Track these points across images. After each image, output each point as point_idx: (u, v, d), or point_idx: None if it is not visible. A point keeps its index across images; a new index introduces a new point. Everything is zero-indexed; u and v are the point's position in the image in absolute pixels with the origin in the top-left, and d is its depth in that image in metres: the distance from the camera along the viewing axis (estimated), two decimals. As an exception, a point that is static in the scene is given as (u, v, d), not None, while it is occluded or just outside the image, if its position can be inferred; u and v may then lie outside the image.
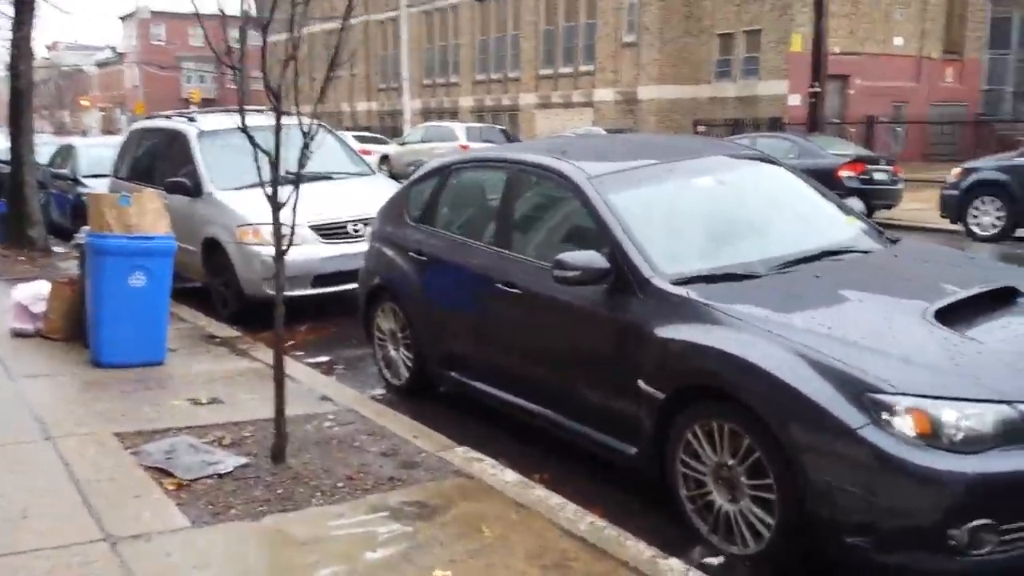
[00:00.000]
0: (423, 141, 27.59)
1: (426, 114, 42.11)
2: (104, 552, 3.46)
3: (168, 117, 10.05)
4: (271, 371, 4.44)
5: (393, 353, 5.92)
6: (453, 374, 5.37)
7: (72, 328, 6.76)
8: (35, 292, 7.09)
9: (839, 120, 28.04)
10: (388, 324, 5.91)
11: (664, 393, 3.80)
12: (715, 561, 3.59)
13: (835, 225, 4.83)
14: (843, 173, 15.02)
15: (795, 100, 27.57)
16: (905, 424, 3.12)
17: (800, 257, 4.24)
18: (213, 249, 8.17)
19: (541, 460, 4.62)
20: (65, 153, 14.67)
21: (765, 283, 4.01)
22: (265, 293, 7.40)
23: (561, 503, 3.89)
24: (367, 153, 22.02)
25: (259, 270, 7.63)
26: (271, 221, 4.26)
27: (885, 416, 3.14)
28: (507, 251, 4.92)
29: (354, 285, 6.52)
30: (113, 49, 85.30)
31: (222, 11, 4.12)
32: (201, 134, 8.85)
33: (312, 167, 4.38)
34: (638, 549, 3.46)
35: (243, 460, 4.40)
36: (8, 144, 12.69)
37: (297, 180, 4.17)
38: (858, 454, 3.15)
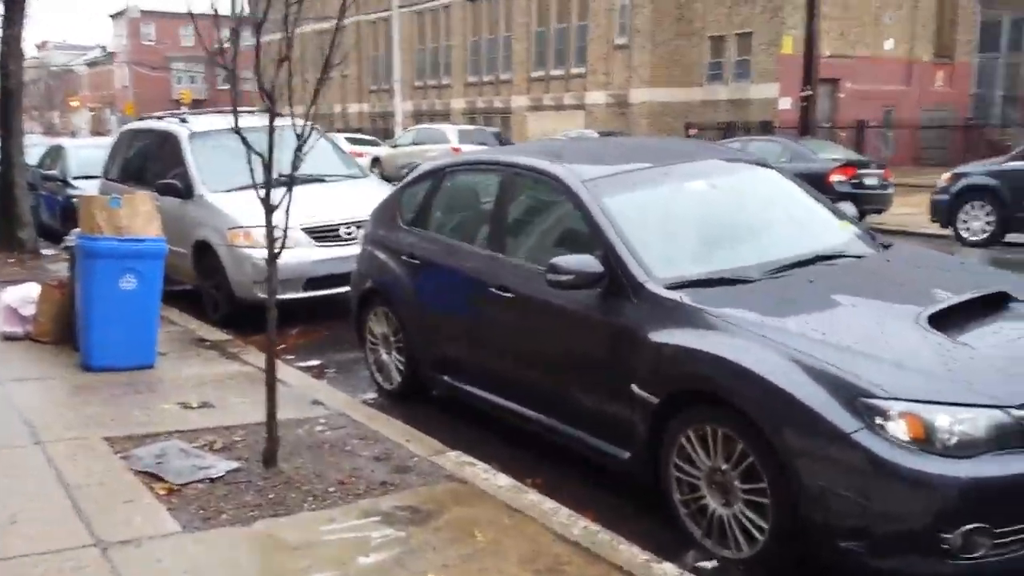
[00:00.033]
0: (415, 143, 27.58)
1: (417, 116, 42.07)
2: (95, 557, 3.43)
3: (159, 118, 10.01)
4: (262, 375, 4.43)
5: (385, 357, 5.90)
6: (446, 378, 5.35)
7: (62, 331, 6.72)
8: (24, 295, 7.05)
9: (830, 124, 28.13)
10: (380, 328, 5.89)
11: (658, 397, 3.80)
12: (709, 565, 3.59)
13: (828, 230, 4.84)
14: (834, 177, 15.11)
15: (786, 103, 27.67)
16: (899, 429, 3.13)
17: (794, 262, 4.25)
18: (204, 252, 8.13)
19: (534, 464, 4.61)
20: (55, 154, 14.58)
21: (759, 288, 4.01)
22: (256, 296, 7.38)
23: (554, 507, 3.88)
24: (359, 155, 22.03)
25: (250, 273, 7.60)
26: (262, 223, 4.24)
27: (879, 421, 3.15)
28: (501, 255, 4.91)
29: (346, 288, 6.50)
30: (103, 49, 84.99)
31: (215, 10, 4.09)
32: (192, 135, 8.81)
33: (304, 169, 4.36)
34: (632, 553, 3.46)
35: (234, 464, 4.37)
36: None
37: (290, 182, 4.15)
38: (852, 458, 3.15)
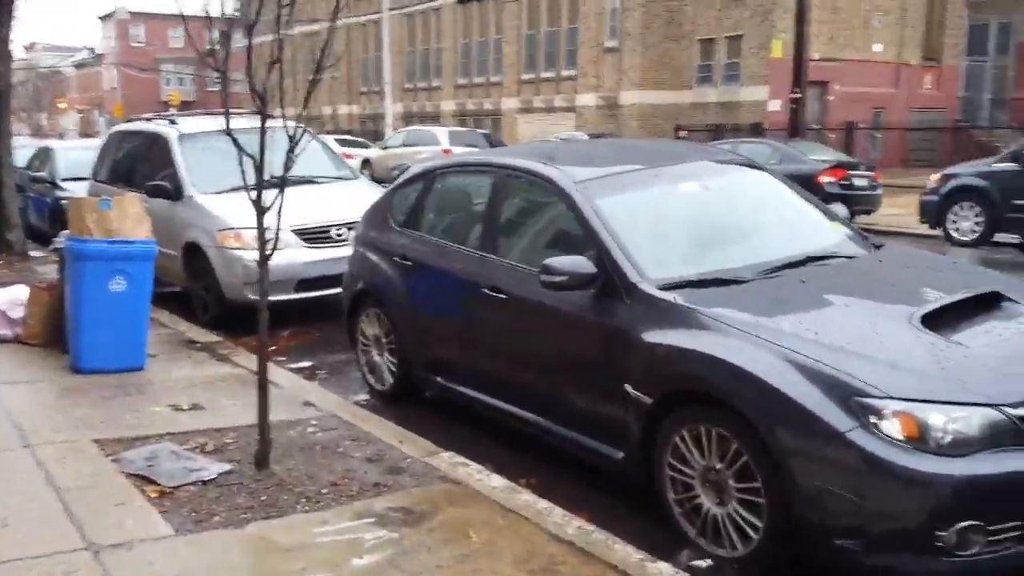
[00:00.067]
0: (405, 145, 27.52)
1: (408, 118, 42.01)
2: (87, 561, 3.41)
3: (148, 119, 9.96)
4: (253, 376, 4.41)
5: (377, 358, 5.88)
6: (438, 379, 5.34)
7: (51, 333, 6.68)
8: (13, 297, 7.00)
9: (819, 126, 28.25)
10: (372, 329, 5.88)
11: (651, 398, 3.80)
12: (703, 564, 3.59)
13: (820, 230, 4.86)
14: (823, 178, 15.17)
15: (775, 106, 27.74)
16: (893, 428, 3.14)
17: (786, 262, 4.25)
18: (194, 253, 8.10)
19: (528, 465, 4.60)
20: (43, 156, 14.50)
21: (752, 288, 4.02)
22: (246, 298, 7.35)
23: (548, 508, 3.88)
24: (349, 157, 21.99)
25: (240, 274, 7.57)
26: (253, 225, 4.22)
27: (873, 420, 3.16)
28: (493, 256, 4.90)
29: (337, 290, 6.48)
30: (91, 50, 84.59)
31: (207, 11, 4.07)
32: (182, 137, 8.78)
33: (295, 171, 4.34)
34: (626, 553, 3.45)
35: (226, 467, 4.35)
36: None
37: (282, 184, 4.14)
38: (846, 457, 3.16)
